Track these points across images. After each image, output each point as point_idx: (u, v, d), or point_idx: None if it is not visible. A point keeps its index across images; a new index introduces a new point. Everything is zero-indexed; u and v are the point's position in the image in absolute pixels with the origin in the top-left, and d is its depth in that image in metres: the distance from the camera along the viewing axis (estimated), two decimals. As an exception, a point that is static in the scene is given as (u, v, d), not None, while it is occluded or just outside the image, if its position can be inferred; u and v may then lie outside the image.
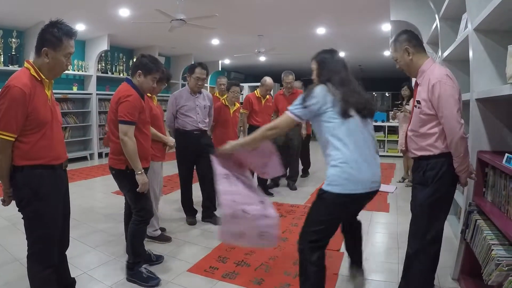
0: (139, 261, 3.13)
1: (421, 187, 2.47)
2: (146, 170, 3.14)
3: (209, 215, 4.63)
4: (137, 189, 2.96)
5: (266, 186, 5.96)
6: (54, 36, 2.21)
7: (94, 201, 5.50)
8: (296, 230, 4.22)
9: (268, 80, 5.64)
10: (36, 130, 2.22)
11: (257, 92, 5.72)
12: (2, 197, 2.38)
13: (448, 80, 2.35)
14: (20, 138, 2.18)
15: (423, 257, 2.46)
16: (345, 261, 3.36)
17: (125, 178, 3.02)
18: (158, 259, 3.48)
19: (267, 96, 5.76)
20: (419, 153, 2.51)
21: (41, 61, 2.24)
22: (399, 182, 7.03)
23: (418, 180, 2.50)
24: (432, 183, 2.40)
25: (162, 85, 3.88)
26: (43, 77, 2.26)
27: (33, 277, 2.35)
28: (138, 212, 3.10)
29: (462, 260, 2.94)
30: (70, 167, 8.05)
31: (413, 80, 2.84)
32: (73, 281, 2.80)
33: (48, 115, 2.28)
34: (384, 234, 4.24)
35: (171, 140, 4.01)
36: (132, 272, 3.10)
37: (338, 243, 3.65)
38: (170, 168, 6.94)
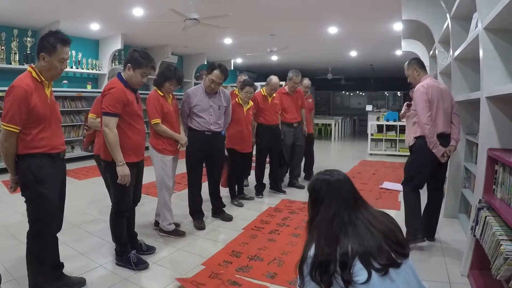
0: (125, 249, 3.30)
1: (410, 155, 3.85)
2: (137, 164, 3.29)
3: (218, 212, 4.68)
4: (117, 180, 3.06)
5: (279, 185, 6.03)
6: (50, 43, 2.50)
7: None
8: (308, 226, 4.28)
9: (274, 79, 5.62)
10: (37, 124, 2.51)
11: (263, 91, 5.70)
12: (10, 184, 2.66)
13: (420, 88, 3.60)
14: (23, 130, 2.47)
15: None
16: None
17: (111, 169, 3.13)
18: (149, 250, 3.58)
19: (274, 94, 5.74)
20: (412, 135, 3.77)
21: (40, 65, 2.54)
22: None
23: (411, 151, 3.85)
24: (413, 152, 3.77)
25: (175, 86, 3.93)
26: (43, 79, 2.56)
27: (30, 256, 2.58)
28: (115, 204, 3.27)
29: (472, 256, 2.97)
30: (85, 164, 8.25)
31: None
32: (61, 265, 2.95)
33: (47, 112, 2.57)
34: (394, 231, 4.25)
35: (182, 138, 4.04)
36: (121, 258, 3.29)
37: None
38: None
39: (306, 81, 6.58)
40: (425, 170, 3.64)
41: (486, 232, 2.54)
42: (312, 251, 1.71)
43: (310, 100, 6.72)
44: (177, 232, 4.03)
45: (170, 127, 3.91)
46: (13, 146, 2.46)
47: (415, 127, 3.70)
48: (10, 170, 2.56)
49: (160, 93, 3.88)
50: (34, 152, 2.50)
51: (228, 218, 4.59)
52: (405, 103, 4.50)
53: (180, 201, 5.04)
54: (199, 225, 4.31)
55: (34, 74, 2.51)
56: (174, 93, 4.05)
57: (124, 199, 3.23)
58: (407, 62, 3.88)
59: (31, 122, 2.48)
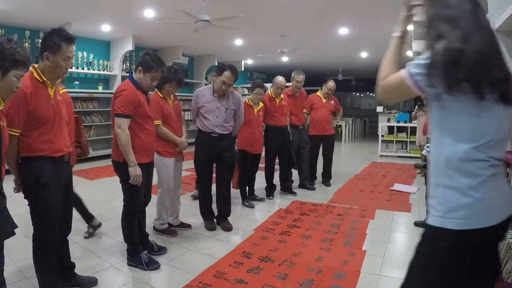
0: (137, 249, 3.33)
1: None
2: (147, 165, 3.33)
3: (220, 220, 4.42)
4: (129, 181, 3.09)
5: (290, 187, 6.04)
6: (54, 42, 2.42)
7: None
8: (319, 228, 4.30)
9: (279, 78, 5.60)
10: (38, 126, 2.44)
11: (271, 92, 5.68)
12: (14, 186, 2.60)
13: None
14: (24, 133, 2.40)
15: None
16: (367, 260, 3.43)
17: (122, 170, 3.16)
18: (161, 250, 3.62)
19: (281, 95, 5.71)
20: None
21: (43, 65, 2.46)
22: (418, 173, 7.55)
23: None
24: None
25: (175, 89, 3.93)
26: (45, 79, 2.47)
27: (35, 258, 2.60)
28: (126, 204, 3.31)
29: (483, 259, 2.94)
30: (96, 164, 8.29)
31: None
32: (72, 265, 2.98)
33: (49, 113, 2.50)
34: (405, 233, 4.25)
35: (182, 142, 4.02)
36: (132, 258, 3.32)
37: (359, 243, 3.75)
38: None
39: (331, 83, 6.45)
40: None
41: (497, 235, 2.53)
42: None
43: (332, 102, 6.64)
44: (169, 232, 4.08)
45: (170, 129, 3.92)
46: (14, 149, 2.39)
47: None
48: (13, 171, 2.53)
49: (160, 95, 3.90)
50: (36, 155, 2.45)
51: (227, 228, 4.32)
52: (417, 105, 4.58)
53: (191, 202, 5.07)
54: (210, 226, 4.31)
55: (35, 74, 2.44)
56: (179, 93, 4.06)
57: (135, 199, 3.28)
58: None
59: (32, 124, 2.41)
